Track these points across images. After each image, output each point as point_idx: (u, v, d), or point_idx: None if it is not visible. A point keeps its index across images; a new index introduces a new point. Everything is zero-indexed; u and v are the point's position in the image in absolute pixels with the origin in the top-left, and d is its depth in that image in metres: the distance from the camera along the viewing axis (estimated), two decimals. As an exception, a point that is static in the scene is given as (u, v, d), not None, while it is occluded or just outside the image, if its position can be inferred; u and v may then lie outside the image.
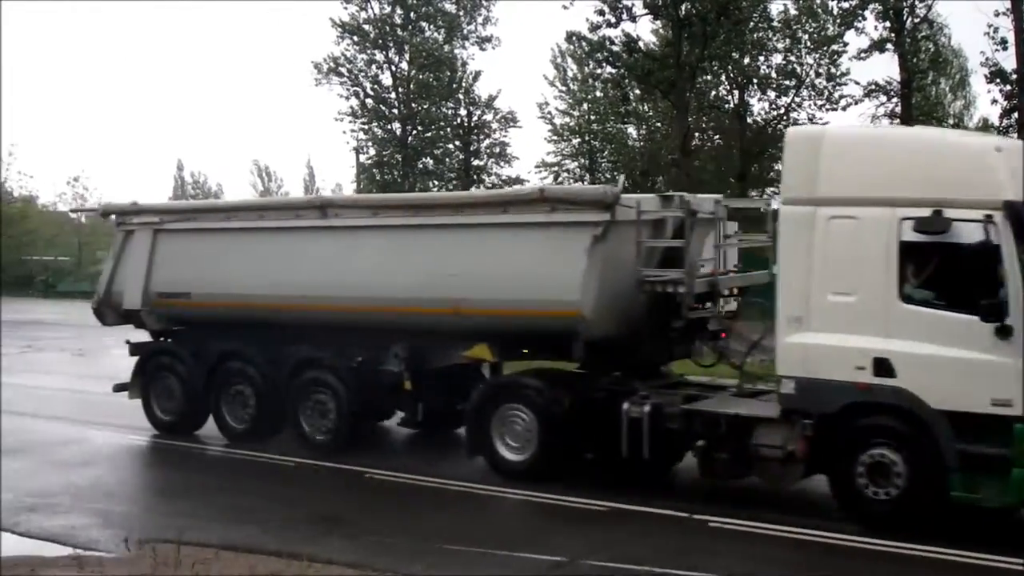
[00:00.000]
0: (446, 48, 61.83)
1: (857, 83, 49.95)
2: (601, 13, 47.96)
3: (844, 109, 52.21)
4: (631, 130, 64.98)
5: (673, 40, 50.33)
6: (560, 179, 66.76)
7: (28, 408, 19.15)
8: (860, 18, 46.97)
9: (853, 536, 10.45)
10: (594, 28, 50.22)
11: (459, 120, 63.81)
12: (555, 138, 67.02)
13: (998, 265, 9.93)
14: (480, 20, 61.90)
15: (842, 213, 10.86)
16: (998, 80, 38.61)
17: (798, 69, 53.45)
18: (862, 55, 47.16)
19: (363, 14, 61.28)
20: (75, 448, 15.40)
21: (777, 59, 54.10)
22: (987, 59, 38.81)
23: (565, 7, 49.22)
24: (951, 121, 55.64)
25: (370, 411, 15.07)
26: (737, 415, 11.88)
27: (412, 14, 61.23)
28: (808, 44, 52.84)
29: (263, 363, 15.44)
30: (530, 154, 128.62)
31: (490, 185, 64.28)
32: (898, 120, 47.54)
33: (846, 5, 47.02)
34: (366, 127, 62.96)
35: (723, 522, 11.06)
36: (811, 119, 54.99)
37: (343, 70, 61.53)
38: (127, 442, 16.12)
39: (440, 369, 14.48)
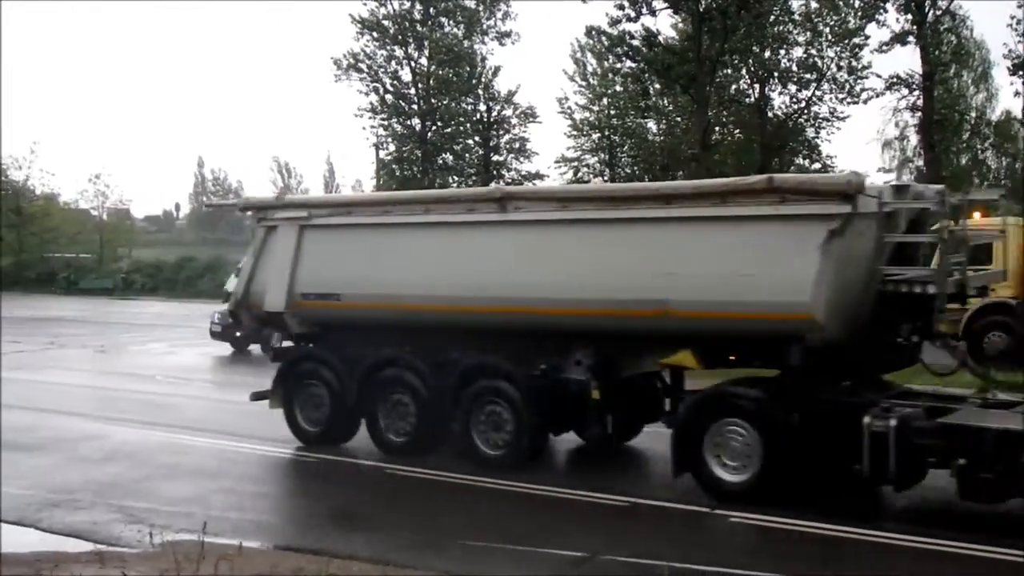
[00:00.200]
0: (465, 43, 61.87)
1: (879, 76, 49.73)
2: (621, 7, 47.86)
3: (865, 103, 52.05)
4: (651, 125, 64.84)
5: (693, 34, 50.21)
6: (580, 174, 66.69)
7: (50, 404, 19.25)
8: (882, 11, 46.82)
9: (877, 532, 10.37)
10: (614, 22, 50.14)
11: (479, 116, 63.82)
12: (575, 133, 66.95)
13: None
14: (499, 15, 61.91)
15: None
16: (1021, 72, 38.41)
17: (819, 62, 53.27)
18: (884, 48, 46.99)
19: (383, 10, 61.32)
20: (96, 444, 15.41)
21: (798, 52, 53.93)
22: (1010, 51, 38.67)
23: (584, 1, 49.16)
24: (974, 114, 55.29)
25: (552, 424, 13.72)
26: (1007, 431, 10.47)
27: (431, 9, 61.25)
28: (829, 37, 52.67)
29: (426, 370, 14.06)
30: (550, 149, 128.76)
31: (509, 181, 64.30)
32: (920, 113, 47.39)
33: (868, -3, 46.95)
34: (386, 123, 63.02)
35: (743, 517, 10.99)
36: (832, 113, 54.92)
37: (363, 66, 61.61)
38: (150, 438, 16.08)
39: (628, 378, 13.33)
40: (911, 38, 45.69)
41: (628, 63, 54.40)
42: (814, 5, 51.92)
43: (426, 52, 61.85)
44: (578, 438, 14.37)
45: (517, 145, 64.74)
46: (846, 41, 52.01)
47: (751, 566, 9.27)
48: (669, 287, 11.89)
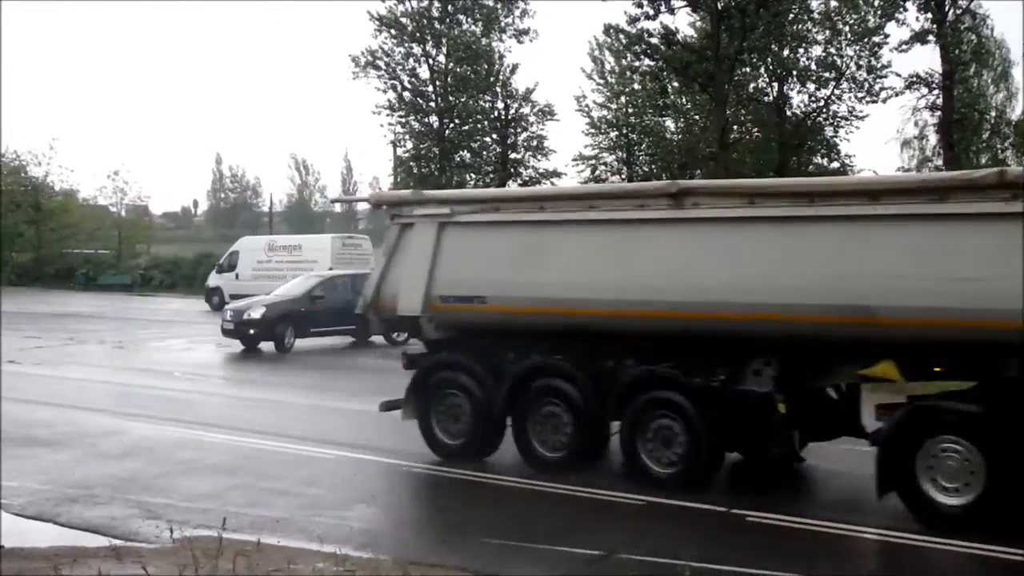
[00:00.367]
0: (483, 41, 61.94)
1: (898, 75, 49.63)
2: (639, 5, 47.90)
3: (884, 101, 51.95)
4: (669, 123, 64.84)
5: (712, 32, 50.16)
6: (597, 172, 66.66)
7: (69, 400, 19.34)
8: (901, 9, 46.71)
9: (896, 532, 10.33)
10: (632, 20, 50.16)
11: (496, 113, 63.89)
12: (592, 131, 66.93)
13: None
14: (517, 13, 61.98)
15: None
16: (1041, 71, 38.17)
17: (838, 61, 53.19)
18: (903, 47, 46.85)
19: (401, 7, 61.47)
20: (114, 440, 15.47)
21: (817, 51, 53.89)
22: (1030, 50, 38.42)
23: (603, -1, 49.13)
24: (993, 113, 55.08)
25: (730, 440, 12.53)
26: None
27: (450, 7, 61.33)
28: (848, 36, 52.58)
29: (584, 380, 12.92)
30: (567, 147, 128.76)
31: (526, 179, 64.32)
32: (939, 112, 47.21)
33: (887, -4, 46.83)
34: (403, 120, 63.18)
35: (761, 517, 10.96)
36: (851, 111, 54.78)
37: (381, 63, 61.76)
38: (168, 434, 16.13)
39: (815, 391, 12.48)
40: (931, 37, 45.52)
41: (646, 61, 54.38)
42: (833, 3, 51.86)
43: (444, 49, 61.94)
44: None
45: (534, 143, 64.80)
46: (865, 40, 51.90)
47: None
48: (875, 292, 10.90)
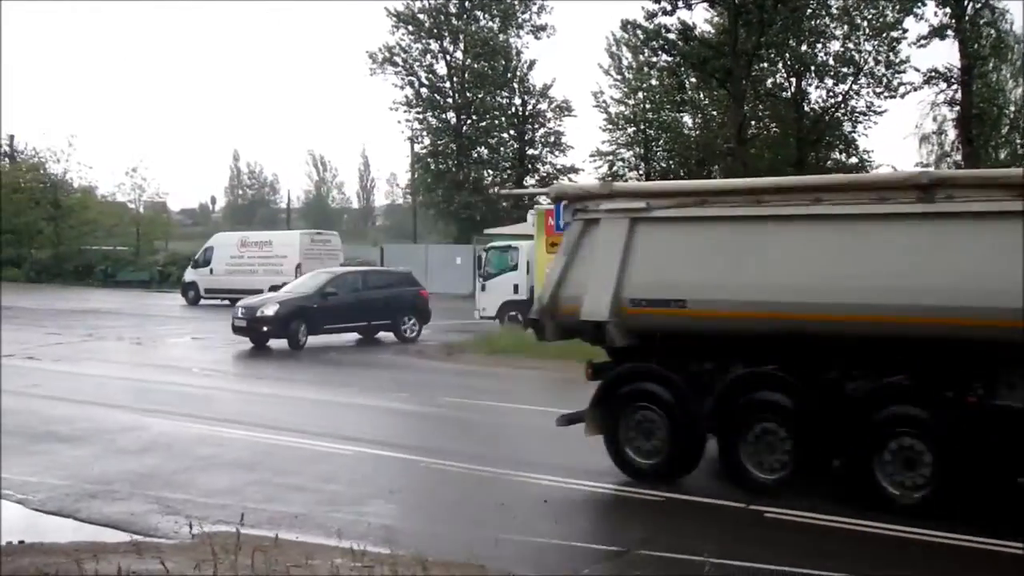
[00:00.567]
0: (501, 37, 62.01)
1: (917, 70, 49.54)
2: (657, 0, 47.83)
3: (903, 97, 51.83)
4: (686, 119, 64.81)
5: (729, 28, 50.12)
6: (614, 168, 66.66)
7: (88, 396, 19.43)
8: (920, 4, 46.54)
9: (913, 529, 10.29)
10: (649, 16, 50.16)
11: (514, 109, 63.98)
12: (610, 127, 66.99)
13: None
14: (535, 8, 62.11)
15: None
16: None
17: (856, 56, 53.08)
18: (922, 41, 46.77)
19: (418, 3, 61.63)
20: (134, 435, 15.52)
21: (835, 46, 53.85)
22: (1050, 45, 38.26)
23: (620, -5, 49.11)
24: (1012, 108, 54.79)
25: (988, 463, 10.91)
26: None
27: (467, 3, 61.45)
28: (867, 31, 52.45)
29: (805, 394, 11.58)
30: (585, 143, 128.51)
31: (544, 175, 64.35)
32: (958, 107, 47.03)
33: (906, -9, 46.68)
34: (421, 117, 63.31)
35: (780, 513, 10.94)
36: (869, 107, 54.62)
37: (398, 60, 61.91)
38: (187, 429, 16.18)
39: None
40: (950, 32, 45.39)
41: (664, 57, 54.40)
42: (851, -1, 51.68)
43: (461, 46, 62.04)
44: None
45: (552, 139, 64.84)
46: (884, 35, 51.77)
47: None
48: None
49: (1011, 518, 10.78)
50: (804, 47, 53.49)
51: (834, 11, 52.60)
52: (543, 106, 64.19)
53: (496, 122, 63.89)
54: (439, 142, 63.65)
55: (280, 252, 44.52)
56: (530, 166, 64.60)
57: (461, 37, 61.72)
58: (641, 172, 66.11)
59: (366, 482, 12.77)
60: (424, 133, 64.07)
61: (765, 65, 54.91)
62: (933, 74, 47.07)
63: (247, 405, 19.30)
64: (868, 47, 52.95)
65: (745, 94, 52.36)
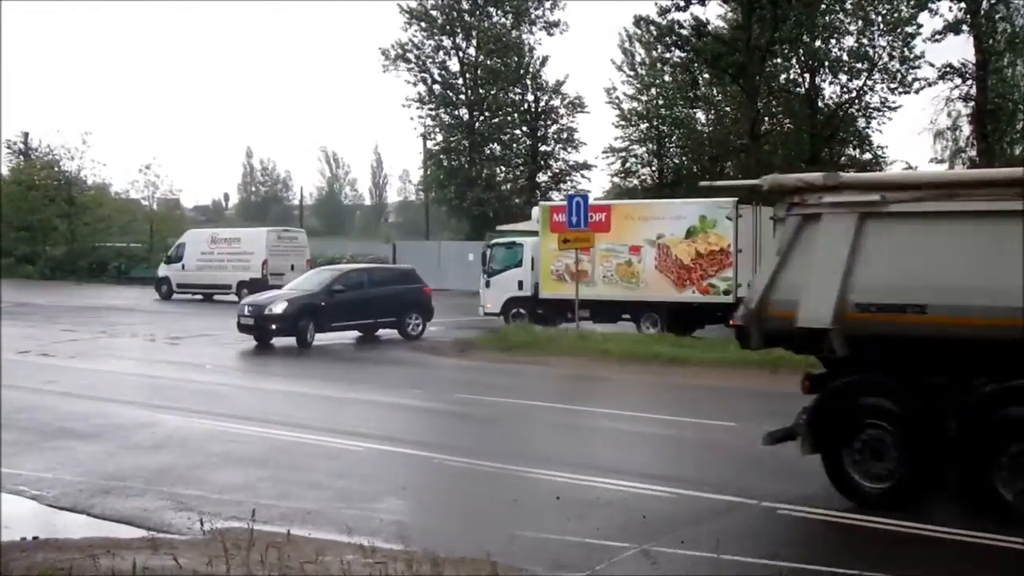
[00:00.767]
0: (514, 33, 61.98)
1: (931, 65, 49.36)
2: (670, -4, 47.81)
3: (917, 92, 51.64)
4: (699, 115, 64.72)
5: (743, 23, 50.01)
6: (627, 164, 66.59)
7: (103, 392, 19.49)
8: (934, -1, 46.33)
9: (924, 526, 10.26)
10: (663, 12, 50.08)
11: (526, 105, 63.98)
12: (623, 123, 66.93)
13: None
14: (548, 5, 62.09)
15: None
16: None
17: (870, 52, 52.89)
18: (936, 37, 46.54)
19: (431, 0, 61.47)
20: (148, 432, 15.56)
21: (849, 42, 53.66)
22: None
23: (633, -9, 49.18)
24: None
25: None
26: None
27: (480, -1, 61.36)
28: (881, 26, 52.25)
29: None
30: (597, 140, 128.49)
31: (556, 171, 64.31)
32: (973, 103, 46.86)
33: (920, -14, 46.56)
34: (433, 113, 63.34)
35: (791, 509, 10.93)
36: (883, 102, 54.44)
37: (411, 56, 61.95)
38: (200, 426, 16.21)
39: None
40: (964, 27, 45.18)
41: (677, 52, 54.30)
42: (866, -6, 51.53)
43: (474, 42, 62.04)
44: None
45: (565, 135, 64.80)
46: (898, 30, 51.58)
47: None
48: None
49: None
50: (818, 43, 53.34)
51: (848, 6, 52.43)
52: (556, 102, 64.20)
53: (509, 118, 63.89)
54: (452, 138, 63.68)
55: (248, 249, 45.93)
56: (543, 162, 64.58)
57: (474, 33, 61.71)
58: (654, 168, 66.05)
59: (378, 478, 12.79)
60: (437, 129, 64.13)
61: (779, 61, 54.78)
62: (948, 69, 46.88)
63: (259, 401, 19.33)
64: (882, 42, 52.79)
65: (759, 90, 52.25)
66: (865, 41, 53.03)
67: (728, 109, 61.69)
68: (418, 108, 63.02)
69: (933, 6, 46.81)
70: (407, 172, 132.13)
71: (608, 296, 28.94)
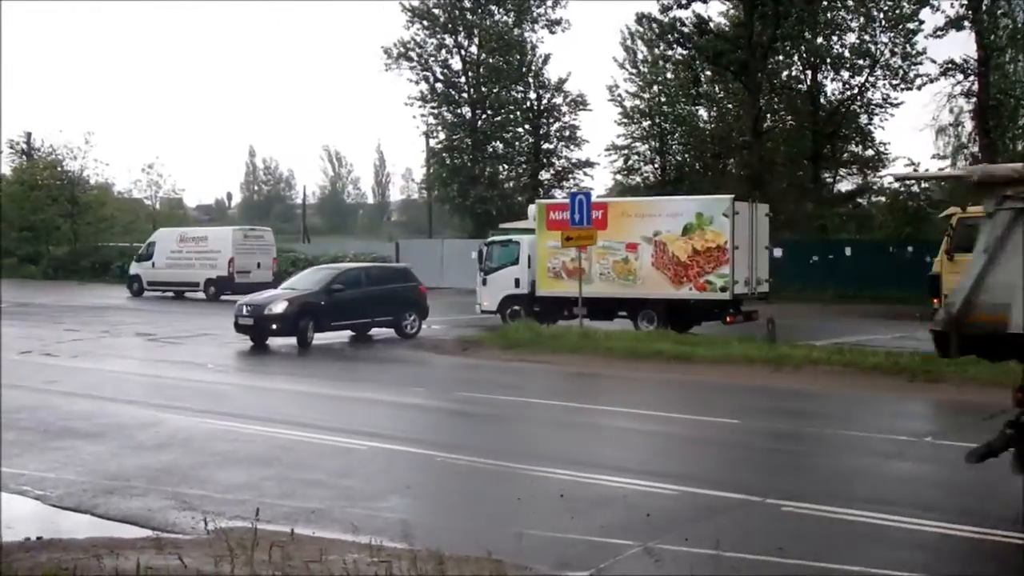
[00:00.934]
0: (516, 31, 61.91)
1: (933, 61, 49.31)
2: (671, -6, 47.81)
3: (919, 88, 51.59)
4: (702, 112, 64.68)
5: (744, 20, 50.02)
6: (630, 162, 66.54)
7: (106, 392, 19.48)
8: (936, -5, 46.28)
9: (930, 523, 10.26)
10: (664, 9, 50.14)
11: (529, 104, 63.92)
12: (625, 121, 66.88)
13: None
14: (549, 3, 61.96)
15: None
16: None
17: (872, 48, 52.83)
18: (938, 33, 46.53)
19: (432, -2, 61.45)
20: (151, 431, 15.55)
21: (851, 38, 53.58)
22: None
23: (635, -12, 49.26)
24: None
25: None
26: None
27: (481, -2, 61.31)
28: (883, 22, 52.21)
29: None
30: (600, 137, 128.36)
31: (559, 169, 64.27)
32: (975, 99, 46.80)
33: (922, -19, 46.53)
34: (436, 111, 63.30)
35: (796, 506, 10.92)
36: (885, 99, 54.39)
37: (413, 55, 61.90)
38: (203, 425, 16.20)
39: None
40: (966, 23, 45.13)
41: (679, 50, 54.35)
42: (867, -10, 51.50)
43: (476, 40, 61.99)
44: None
45: (567, 133, 64.74)
46: (900, 26, 51.54)
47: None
48: None
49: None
50: (820, 39, 53.29)
51: (850, 3, 52.40)
52: (558, 100, 64.15)
53: (511, 117, 63.85)
54: (454, 137, 63.65)
55: (215, 247, 47.03)
56: (545, 160, 64.55)
57: (476, 32, 61.67)
58: (657, 166, 66.02)
59: (382, 477, 12.78)
60: (439, 128, 64.11)
61: (781, 58, 54.76)
62: (950, 65, 46.85)
63: (263, 400, 19.33)
64: (884, 39, 52.74)
65: (761, 87, 52.23)
66: (867, 37, 53.00)
67: (730, 106, 61.65)
68: (420, 106, 63.06)
69: (935, 2, 46.85)
70: (410, 171, 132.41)
71: (605, 293, 28.91)
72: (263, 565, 8.21)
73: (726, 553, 8.90)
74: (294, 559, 8.56)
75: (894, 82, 53.43)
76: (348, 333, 29.48)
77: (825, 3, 51.35)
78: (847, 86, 55.01)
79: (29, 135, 76.53)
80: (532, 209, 32.37)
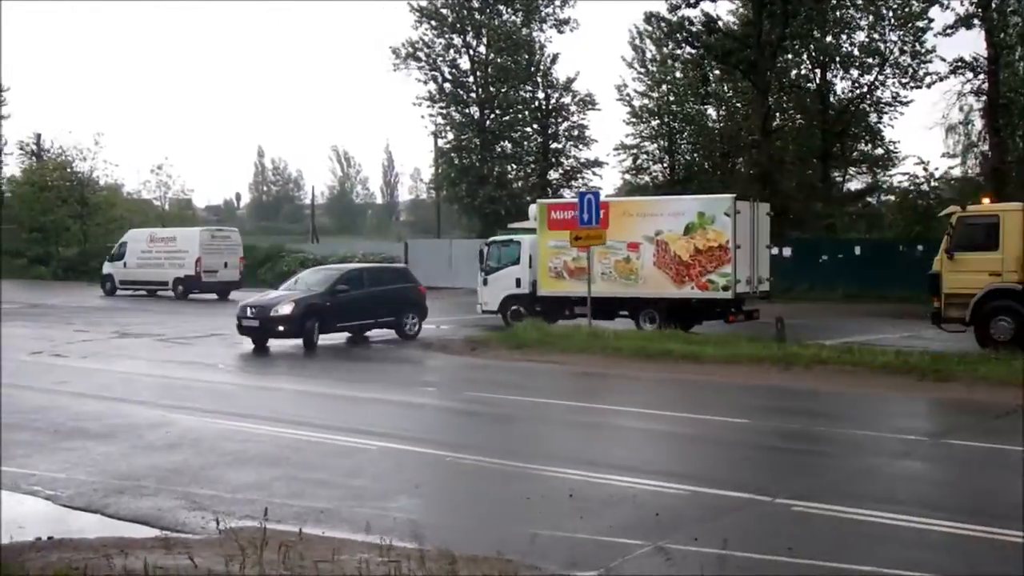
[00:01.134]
0: (524, 31, 61.84)
1: (943, 60, 49.15)
2: (680, -8, 47.79)
3: (929, 87, 51.51)
4: (711, 111, 64.58)
5: (753, 19, 49.96)
6: (639, 161, 66.48)
7: (117, 392, 19.53)
8: (945, -8, 46.15)
9: (942, 523, 10.23)
10: (673, 8, 50.05)
11: (537, 103, 63.84)
12: (634, 120, 66.79)
13: None
14: (558, 2, 61.87)
15: None
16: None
17: (882, 47, 52.74)
18: (948, 31, 46.35)
19: (441, -2, 61.41)
20: (161, 432, 15.57)
21: (860, 37, 53.50)
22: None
23: (643, -12, 49.32)
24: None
25: None
26: None
27: (489, -3, 61.25)
28: (892, 21, 52.11)
29: None
30: (608, 137, 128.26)
31: (567, 168, 64.21)
32: (985, 97, 46.66)
33: (932, -21, 46.41)
34: (444, 111, 63.24)
35: (805, 506, 10.91)
36: (895, 97, 54.28)
37: (421, 55, 61.86)
38: (213, 425, 16.23)
39: None
40: (976, 21, 44.99)
41: (688, 49, 54.27)
42: (877, -12, 51.38)
43: (484, 40, 61.92)
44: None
45: (576, 132, 64.64)
46: (909, 24, 51.43)
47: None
48: None
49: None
50: (829, 38, 53.21)
51: (859, 1, 52.30)
52: (566, 100, 64.06)
53: (519, 116, 63.79)
54: (463, 137, 63.61)
55: (183, 247, 48.37)
56: (554, 160, 64.49)
57: (484, 31, 61.61)
58: (666, 165, 65.96)
59: (391, 477, 12.78)
60: (448, 128, 64.08)
61: (790, 56, 54.67)
62: (959, 64, 46.68)
63: (272, 401, 19.36)
64: (893, 37, 52.63)
65: (770, 86, 52.15)
66: (876, 36, 52.89)
67: (739, 105, 61.56)
68: (429, 106, 63.03)
69: (944, 0, 46.66)
70: (418, 170, 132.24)
71: (606, 293, 28.84)
72: (273, 565, 8.23)
73: (735, 553, 8.90)
74: (304, 559, 8.57)
75: (903, 80, 53.34)
76: (346, 335, 29.33)
77: (834, 2, 51.28)
78: (856, 85, 54.94)
79: (39, 136, 76.88)
80: (533, 209, 32.37)
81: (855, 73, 54.41)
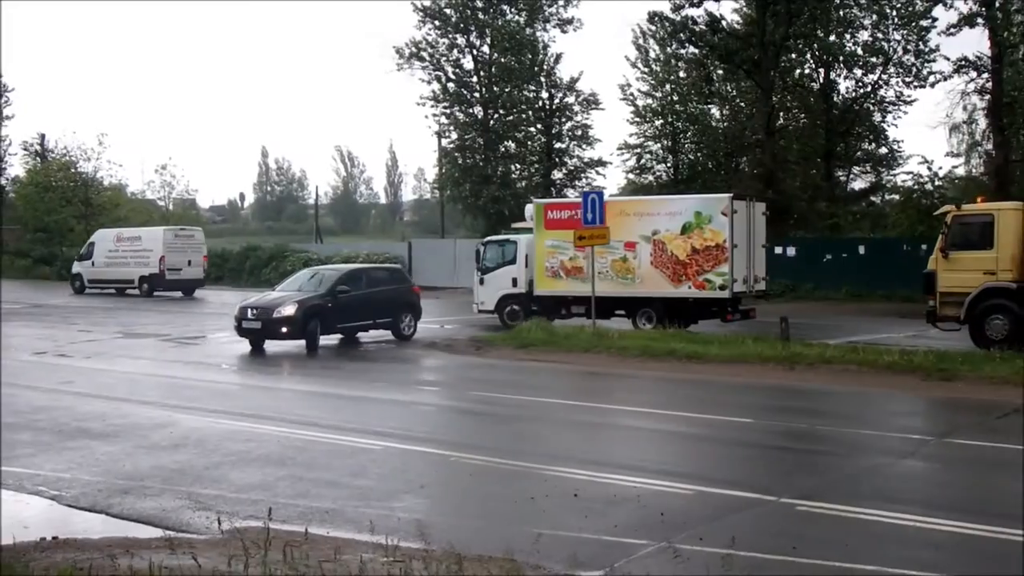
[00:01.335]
0: (527, 31, 61.77)
1: (946, 59, 49.10)
2: (683, -8, 47.78)
3: (932, 86, 51.40)
4: (714, 111, 64.52)
5: (757, 19, 49.93)
6: (642, 161, 66.41)
7: (121, 393, 19.53)
8: (949, -9, 46.11)
9: (947, 522, 10.22)
10: (676, 8, 50.05)
11: (541, 103, 63.77)
12: (637, 120, 66.70)
13: None
14: (561, 2, 61.81)
15: None
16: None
17: (885, 46, 52.66)
18: (951, 30, 46.32)
19: (444, -2, 61.38)
20: (165, 432, 15.58)
21: (864, 36, 53.41)
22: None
23: (647, -13, 49.25)
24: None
25: None
26: None
27: (493, -3, 61.20)
28: (895, 20, 52.03)
29: None
30: (612, 136, 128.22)
31: (571, 168, 64.18)
32: (988, 96, 46.61)
33: (935, -22, 46.37)
34: (448, 111, 63.19)
35: (810, 506, 10.90)
36: (898, 97, 54.23)
37: (425, 55, 61.80)
38: (217, 425, 16.23)
39: None
40: (979, 20, 44.94)
41: (691, 49, 54.24)
42: (881, -13, 51.32)
43: (488, 40, 61.86)
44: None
45: (579, 132, 64.56)
46: (913, 24, 51.36)
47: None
48: None
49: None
50: (832, 37, 53.15)
51: (862, 1, 52.25)
52: (570, 99, 63.99)
53: (523, 116, 63.73)
54: (466, 136, 63.57)
55: (147, 246, 49.69)
56: (557, 160, 64.46)
57: (487, 31, 61.57)
58: (669, 164, 65.91)
59: (396, 477, 12.77)
60: (451, 127, 64.03)
61: (793, 56, 54.61)
62: (963, 63, 46.63)
63: (276, 401, 19.35)
64: (897, 36, 52.56)
65: (773, 85, 52.12)
66: (880, 35, 52.83)
67: (743, 104, 61.52)
68: (432, 106, 62.98)
69: (947, -1, 46.60)
70: (422, 170, 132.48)
71: (604, 292, 28.79)
72: (277, 565, 8.22)
73: (740, 552, 8.90)
74: (308, 559, 8.57)
75: (907, 79, 53.26)
76: (339, 337, 29.11)
77: (837, 1, 51.21)
78: (860, 84, 54.87)
79: (43, 136, 76.87)
80: (530, 209, 32.38)
81: (859, 72, 54.35)
